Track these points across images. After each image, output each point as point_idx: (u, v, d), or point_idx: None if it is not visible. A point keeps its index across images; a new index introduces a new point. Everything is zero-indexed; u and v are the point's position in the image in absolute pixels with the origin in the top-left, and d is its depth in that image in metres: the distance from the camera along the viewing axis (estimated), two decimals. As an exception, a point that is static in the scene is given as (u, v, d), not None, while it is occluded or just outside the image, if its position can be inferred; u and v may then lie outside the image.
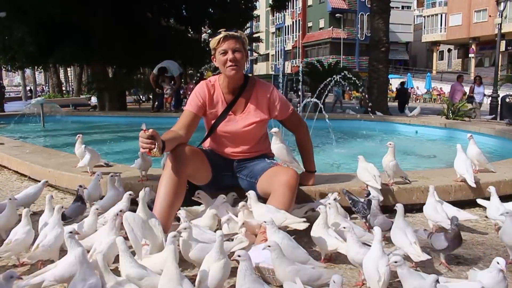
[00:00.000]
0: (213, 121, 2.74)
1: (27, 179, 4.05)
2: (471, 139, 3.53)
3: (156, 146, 2.22)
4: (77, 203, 2.60)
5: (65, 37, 13.83)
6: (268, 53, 60.98)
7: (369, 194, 2.62)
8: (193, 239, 1.98)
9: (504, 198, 3.29)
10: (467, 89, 14.64)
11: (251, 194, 2.38)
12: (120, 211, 2.17)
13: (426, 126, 8.94)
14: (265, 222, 2.03)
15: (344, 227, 1.97)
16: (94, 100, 18.08)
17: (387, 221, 2.31)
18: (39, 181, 3.82)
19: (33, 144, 5.70)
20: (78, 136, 3.78)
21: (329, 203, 2.27)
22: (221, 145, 2.79)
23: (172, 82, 12.28)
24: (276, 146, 2.77)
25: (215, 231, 2.26)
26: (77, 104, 18.15)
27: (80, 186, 2.69)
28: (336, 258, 2.20)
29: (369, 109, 10.12)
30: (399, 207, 2.19)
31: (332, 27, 47.43)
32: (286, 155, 2.77)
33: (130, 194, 2.51)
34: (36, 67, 25.77)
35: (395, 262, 1.68)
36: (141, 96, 21.24)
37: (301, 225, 2.25)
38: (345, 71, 13.02)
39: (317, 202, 2.77)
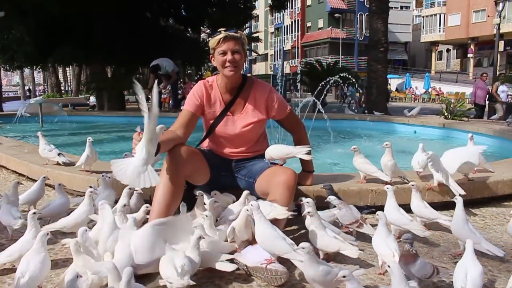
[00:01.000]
0: (211, 121, 2.74)
1: (25, 178, 4.04)
2: (471, 139, 3.53)
3: None
4: None
5: (65, 37, 13.82)
6: (267, 53, 60.98)
7: (330, 189, 2.66)
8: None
9: (502, 198, 3.32)
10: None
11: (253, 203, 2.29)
12: (124, 205, 2.30)
13: (424, 126, 8.95)
14: (251, 204, 2.04)
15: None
16: (93, 100, 18.07)
17: (348, 213, 2.41)
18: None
19: (32, 144, 5.68)
20: (39, 133, 3.85)
21: (307, 202, 2.26)
22: (220, 145, 2.79)
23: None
24: (269, 149, 2.70)
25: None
26: (76, 104, 18.13)
27: (91, 186, 2.69)
28: (334, 258, 2.20)
29: (364, 108, 10.14)
30: (390, 188, 2.51)
31: (331, 27, 47.40)
32: (281, 151, 2.69)
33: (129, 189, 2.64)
34: (35, 67, 25.75)
35: (343, 276, 1.63)
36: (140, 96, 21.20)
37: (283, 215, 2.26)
38: (345, 73, 13.00)
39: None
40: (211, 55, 2.68)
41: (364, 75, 20.38)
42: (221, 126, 2.72)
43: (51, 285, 1.92)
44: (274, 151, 2.69)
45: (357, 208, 2.58)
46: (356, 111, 14.59)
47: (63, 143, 7.59)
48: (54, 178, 3.57)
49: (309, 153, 2.69)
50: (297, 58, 50.71)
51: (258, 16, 53.51)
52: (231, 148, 2.77)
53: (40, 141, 3.87)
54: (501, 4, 15.75)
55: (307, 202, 2.19)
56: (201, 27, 20.38)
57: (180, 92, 14.64)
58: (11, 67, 19.54)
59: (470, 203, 3.16)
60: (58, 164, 3.78)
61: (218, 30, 2.62)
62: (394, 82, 36.36)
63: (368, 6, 17.34)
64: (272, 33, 59.72)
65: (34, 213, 2.11)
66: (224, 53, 2.57)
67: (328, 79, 9.89)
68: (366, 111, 11.80)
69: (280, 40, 55.99)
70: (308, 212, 2.14)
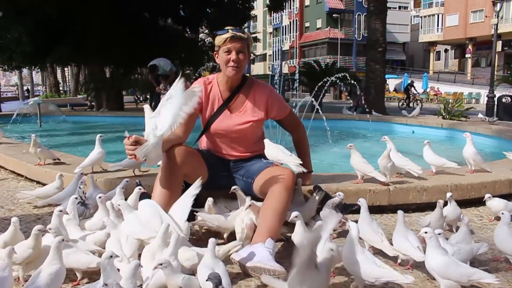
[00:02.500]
0: (209, 118, 2.74)
1: (24, 179, 4.04)
2: (468, 137, 3.54)
3: None
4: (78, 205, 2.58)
5: (62, 37, 13.80)
6: (266, 53, 60.99)
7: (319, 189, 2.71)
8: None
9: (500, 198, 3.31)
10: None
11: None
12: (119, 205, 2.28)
13: (423, 126, 8.96)
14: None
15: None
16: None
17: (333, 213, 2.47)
18: (35, 181, 3.85)
19: (30, 144, 5.67)
20: (33, 136, 3.94)
21: (296, 217, 2.25)
22: (217, 145, 2.78)
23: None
24: (266, 150, 2.67)
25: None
26: (75, 104, 18.09)
27: (80, 187, 2.69)
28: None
29: (362, 108, 10.12)
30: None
31: (329, 27, 47.42)
32: (275, 155, 2.64)
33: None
34: (33, 67, 25.71)
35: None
36: (138, 96, 21.23)
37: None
38: (346, 74, 13.00)
39: None
40: (215, 52, 2.68)
41: (362, 75, 20.40)
42: (218, 123, 2.70)
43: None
44: (268, 152, 2.66)
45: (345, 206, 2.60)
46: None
47: (61, 142, 7.59)
48: (52, 178, 3.56)
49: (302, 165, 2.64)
50: (296, 58, 50.68)
51: (256, 16, 53.45)
52: (229, 148, 2.76)
53: (33, 142, 3.91)
54: (498, 5, 15.77)
55: (296, 218, 2.22)
56: (200, 27, 20.37)
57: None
58: (9, 67, 19.48)
59: (468, 203, 3.17)
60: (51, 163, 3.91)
61: (226, 28, 2.60)
62: (392, 82, 36.38)
63: (366, 6, 17.38)
64: (270, 33, 59.71)
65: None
66: (229, 51, 2.57)
67: (326, 79, 9.88)
68: (372, 111, 11.67)
69: (278, 40, 56.00)
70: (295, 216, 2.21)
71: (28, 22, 13.63)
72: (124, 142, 2.26)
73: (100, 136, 3.53)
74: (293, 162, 2.61)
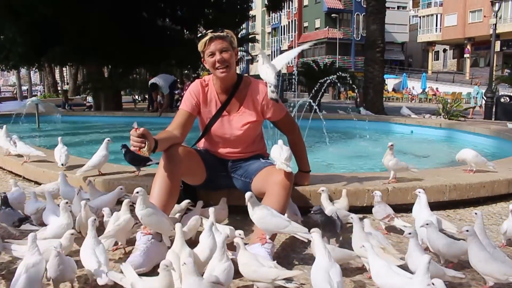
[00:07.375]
0: (207, 121, 2.73)
1: (22, 179, 4.03)
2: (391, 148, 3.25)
3: (146, 145, 2.23)
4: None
5: (57, 37, 13.75)
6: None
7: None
8: None
9: (498, 198, 3.32)
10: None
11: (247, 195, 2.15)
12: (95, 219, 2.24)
13: (421, 126, 8.96)
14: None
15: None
16: (90, 100, 18.01)
17: (381, 209, 2.59)
18: (34, 181, 3.84)
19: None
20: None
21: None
22: (216, 145, 2.78)
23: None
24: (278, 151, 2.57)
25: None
26: (73, 104, 18.07)
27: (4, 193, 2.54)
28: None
29: (359, 108, 10.13)
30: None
31: (328, 27, 47.48)
32: (274, 153, 2.54)
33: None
34: (31, 66, 25.63)
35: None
36: (136, 96, 21.21)
37: (305, 235, 2.08)
38: (339, 72, 13.02)
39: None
40: (202, 59, 2.66)
41: (361, 75, 20.43)
42: (217, 126, 2.70)
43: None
44: (271, 151, 2.60)
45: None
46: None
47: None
48: (50, 179, 3.56)
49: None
50: (294, 58, 50.66)
51: (255, 16, 53.54)
52: (228, 148, 2.75)
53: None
54: (497, 4, 15.78)
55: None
56: (198, 28, 20.35)
57: (176, 92, 14.65)
58: (6, 67, 19.44)
59: (467, 203, 3.16)
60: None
61: (205, 32, 2.61)
62: (391, 82, 36.47)
63: (365, 6, 17.40)
64: (269, 33, 59.70)
65: None
66: (212, 54, 2.55)
67: (325, 79, 9.88)
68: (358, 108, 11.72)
69: (277, 40, 56.01)
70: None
71: (23, 22, 13.54)
72: (131, 132, 2.24)
73: (108, 140, 3.54)
74: (279, 161, 2.48)
